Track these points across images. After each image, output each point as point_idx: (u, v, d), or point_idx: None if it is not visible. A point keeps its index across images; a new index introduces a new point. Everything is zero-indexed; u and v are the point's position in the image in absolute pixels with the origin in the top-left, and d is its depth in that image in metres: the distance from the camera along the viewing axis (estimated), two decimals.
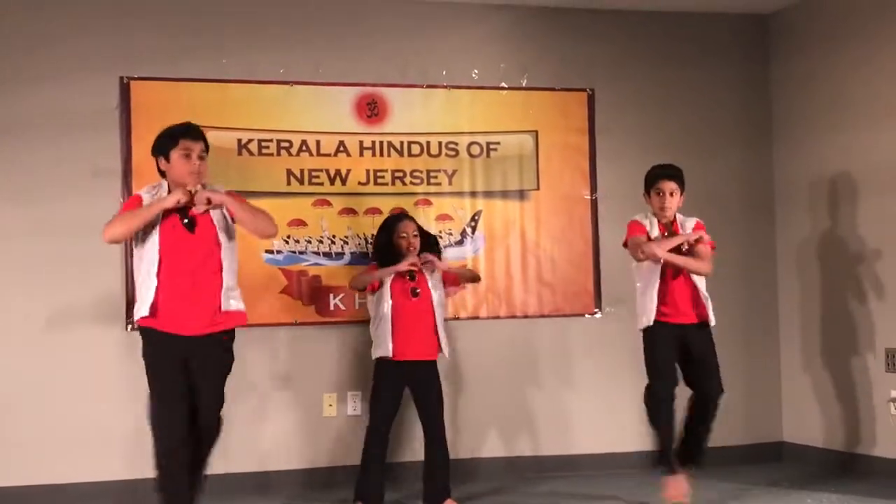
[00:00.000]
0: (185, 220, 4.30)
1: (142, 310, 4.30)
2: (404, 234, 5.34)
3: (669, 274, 5.13)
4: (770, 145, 6.79)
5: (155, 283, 4.25)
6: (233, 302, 4.39)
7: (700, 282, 5.17)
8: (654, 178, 5.20)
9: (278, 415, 5.99)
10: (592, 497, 5.65)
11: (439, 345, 5.32)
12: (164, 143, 4.38)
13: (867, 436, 5.99)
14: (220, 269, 4.37)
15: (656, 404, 5.16)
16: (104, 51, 5.83)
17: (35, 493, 5.59)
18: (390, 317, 5.21)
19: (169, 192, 4.33)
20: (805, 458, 6.40)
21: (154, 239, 4.26)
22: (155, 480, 4.36)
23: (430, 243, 5.46)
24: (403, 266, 5.24)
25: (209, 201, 4.28)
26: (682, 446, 5.22)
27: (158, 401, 4.26)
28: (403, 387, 5.29)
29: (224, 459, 5.83)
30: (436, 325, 5.30)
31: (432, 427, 5.29)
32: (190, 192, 4.26)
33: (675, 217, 5.22)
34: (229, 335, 4.44)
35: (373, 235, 6.11)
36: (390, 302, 5.21)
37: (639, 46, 6.63)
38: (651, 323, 5.13)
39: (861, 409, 6.02)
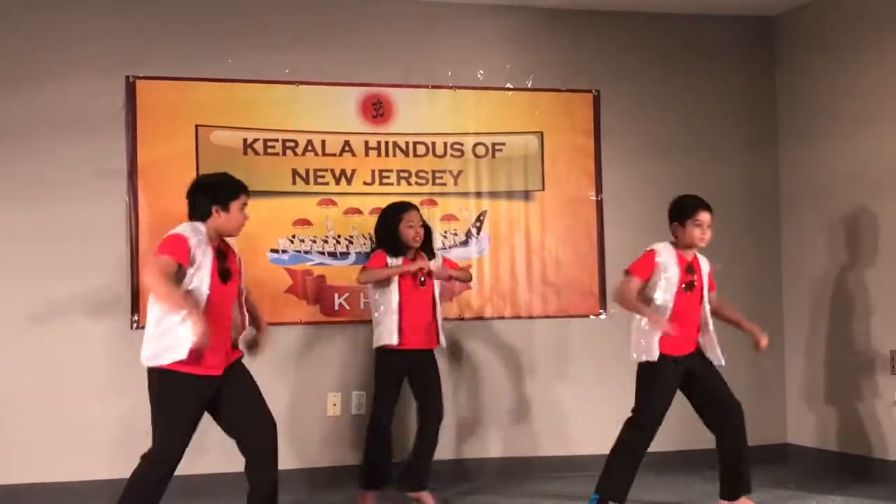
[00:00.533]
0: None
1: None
2: (412, 224, 5.34)
3: (681, 296, 4.97)
4: (775, 148, 6.78)
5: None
6: None
7: (707, 315, 5.07)
8: (693, 208, 5.01)
9: (283, 414, 5.98)
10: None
11: (438, 335, 5.38)
12: (225, 194, 4.35)
13: (871, 438, 5.98)
14: None
15: (637, 443, 5.02)
16: (110, 50, 5.85)
17: (35, 490, 5.61)
18: (398, 307, 5.24)
19: (208, 238, 4.30)
20: (809, 460, 6.40)
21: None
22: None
23: (428, 233, 5.49)
24: (413, 268, 5.28)
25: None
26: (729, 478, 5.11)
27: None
28: (405, 376, 5.35)
29: (225, 458, 5.85)
30: (436, 315, 5.38)
31: (431, 415, 5.35)
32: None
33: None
34: None
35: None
36: (398, 291, 5.25)
37: (644, 48, 6.63)
38: (655, 358, 4.92)
39: (865, 412, 6.01)
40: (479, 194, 6.34)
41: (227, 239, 4.50)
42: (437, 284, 5.42)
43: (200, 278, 4.19)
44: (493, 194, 6.36)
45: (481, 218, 6.33)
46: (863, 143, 6.06)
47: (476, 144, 6.35)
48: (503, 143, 6.38)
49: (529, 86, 6.43)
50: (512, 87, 6.41)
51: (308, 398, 6.03)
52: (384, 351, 5.30)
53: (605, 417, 6.37)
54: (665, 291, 4.96)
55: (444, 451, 5.98)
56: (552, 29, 6.47)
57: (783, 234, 6.73)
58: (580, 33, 6.53)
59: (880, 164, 5.92)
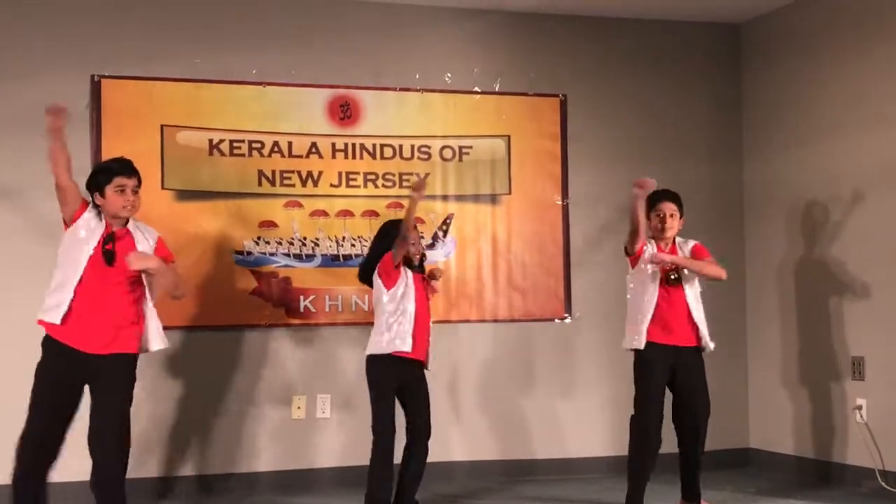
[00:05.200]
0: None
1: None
2: (413, 242, 5.09)
3: (664, 292, 5.08)
4: (740, 156, 6.83)
5: None
6: None
7: (696, 304, 5.14)
8: (655, 199, 5.14)
9: (247, 416, 5.97)
10: (557, 500, 5.67)
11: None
12: (98, 180, 4.38)
13: (833, 443, 6.03)
14: None
15: (644, 437, 5.06)
16: (75, 49, 5.80)
17: None
18: (413, 314, 5.00)
19: (106, 223, 4.33)
20: (772, 465, 6.45)
21: None
22: None
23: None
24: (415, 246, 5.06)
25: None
26: (684, 479, 5.21)
27: None
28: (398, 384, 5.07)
29: (190, 461, 5.83)
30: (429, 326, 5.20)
31: (421, 429, 5.07)
32: None
33: (673, 240, 5.21)
34: None
35: (343, 238, 6.13)
36: (415, 298, 5.02)
37: (612, 53, 6.66)
38: (643, 346, 5.05)
39: (827, 417, 6.07)
40: (445, 197, 6.34)
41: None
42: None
43: (80, 248, 4.24)
44: (460, 197, 6.36)
45: (448, 221, 6.34)
46: (828, 151, 6.12)
47: (443, 147, 6.35)
48: (470, 147, 6.39)
49: (497, 89, 6.44)
50: (480, 90, 6.42)
51: (273, 401, 6.00)
52: (382, 359, 4.99)
53: (569, 421, 6.44)
54: (647, 286, 5.07)
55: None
56: (520, 33, 6.49)
57: (747, 241, 6.78)
58: (548, 38, 6.54)
59: (845, 171, 5.98)
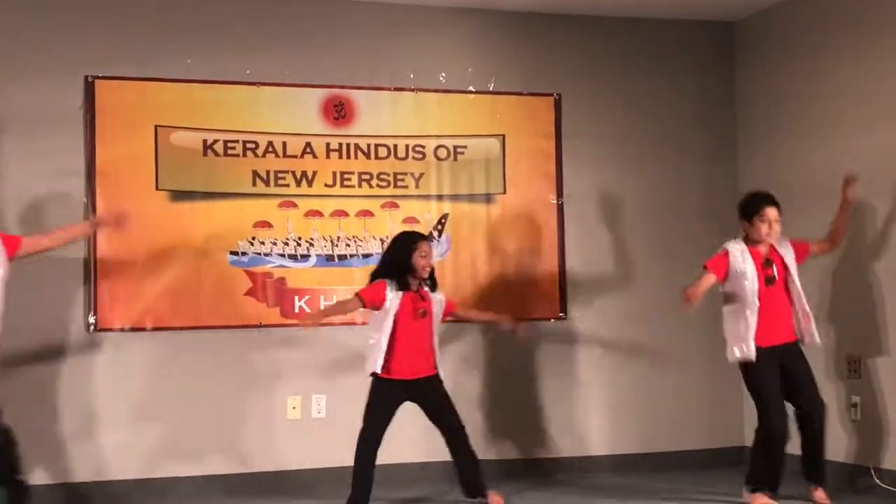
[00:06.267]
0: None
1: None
2: (425, 254, 5.22)
3: (764, 293, 5.10)
4: (734, 154, 6.83)
5: None
6: None
7: (798, 300, 5.18)
8: (759, 204, 5.21)
9: (242, 417, 5.96)
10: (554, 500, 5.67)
11: (434, 361, 5.29)
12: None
13: (829, 441, 6.02)
14: None
15: (774, 442, 5.10)
16: (69, 50, 5.79)
17: None
18: (390, 335, 5.13)
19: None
20: None
21: None
22: None
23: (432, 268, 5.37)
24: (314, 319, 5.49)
25: None
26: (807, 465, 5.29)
27: None
28: (400, 403, 5.21)
29: (183, 462, 5.83)
30: (433, 344, 5.28)
31: (453, 428, 5.26)
32: None
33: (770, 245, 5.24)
34: None
35: (338, 238, 6.12)
36: (392, 321, 5.13)
37: (606, 52, 6.66)
38: (753, 356, 5.07)
39: None
40: (440, 197, 6.34)
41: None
42: (436, 316, 5.31)
43: None
44: (455, 197, 6.36)
45: (443, 221, 6.33)
46: (823, 150, 6.12)
47: (438, 147, 6.35)
48: (465, 146, 6.38)
49: (491, 89, 6.43)
50: (474, 90, 6.41)
51: (268, 401, 6.00)
52: (378, 378, 5.16)
53: (564, 419, 6.43)
54: (745, 289, 5.10)
55: (407, 453, 6.01)
56: (514, 32, 6.49)
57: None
58: (542, 37, 6.54)
59: (840, 170, 5.96)
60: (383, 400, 5.18)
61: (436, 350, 5.30)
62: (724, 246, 5.26)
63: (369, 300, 5.18)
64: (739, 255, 5.18)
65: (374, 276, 5.29)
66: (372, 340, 5.17)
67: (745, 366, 5.16)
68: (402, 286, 5.19)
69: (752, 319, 5.08)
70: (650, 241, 6.63)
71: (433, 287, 5.35)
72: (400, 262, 5.22)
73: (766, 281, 5.14)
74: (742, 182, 6.78)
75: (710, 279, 5.17)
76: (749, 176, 6.73)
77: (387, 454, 5.26)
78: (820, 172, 6.12)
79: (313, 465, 6.01)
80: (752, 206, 5.24)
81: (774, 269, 5.18)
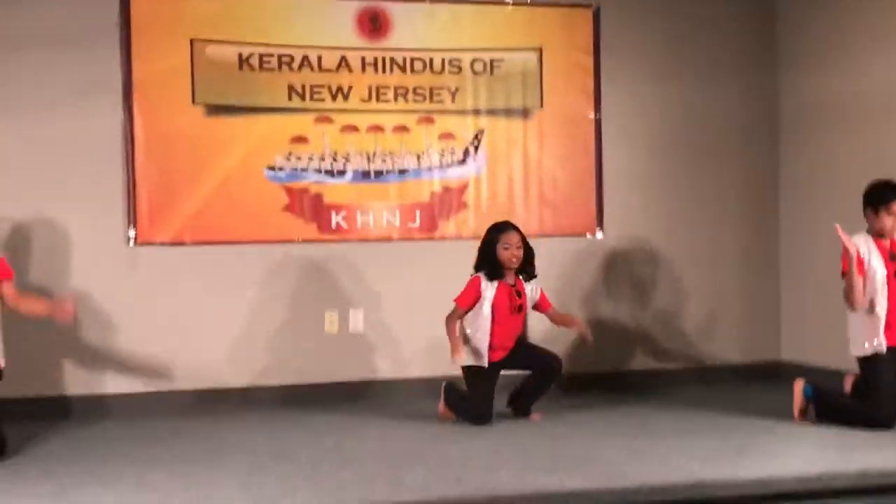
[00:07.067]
0: None
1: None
2: (508, 246, 5.25)
3: (891, 286, 4.90)
4: (775, 70, 6.70)
5: None
6: None
7: None
8: (887, 196, 4.93)
9: (279, 331, 6.02)
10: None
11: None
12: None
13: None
14: None
15: (874, 428, 4.82)
16: None
17: None
18: (489, 329, 5.25)
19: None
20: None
21: None
22: None
23: (529, 257, 5.38)
24: (460, 355, 5.26)
25: None
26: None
27: None
28: (497, 376, 5.35)
29: (220, 373, 5.91)
30: (523, 331, 5.47)
31: (546, 371, 5.34)
32: None
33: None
34: None
35: (374, 153, 6.11)
36: (490, 313, 5.25)
37: None
38: (884, 350, 4.87)
39: None
40: (476, 112, 6.28)
41: None
42: (529, 307, 5.44)
43: None
44: (491, 112, 6.30)
45: (479, 136, 6.29)
46: (864, 65, 5.98)
47: (474, 60, 6.27)
48: (501, 60, 6.31)
49: (528, 1, 6.33)
50: (511, 1, 6.31)
51: (305, 316, 6.04)
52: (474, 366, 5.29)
53: (598, 335, 6.45)
54: (872, 282, 4.90)
55: (417, 368, 6.10)
56: None
57: (782, 155, 6.69)
58: None
59: (882, 84, 5.85)
60: (485, 383, 5.28)
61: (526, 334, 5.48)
62: (853, 240, 4.95)
63: (466, 305, 5.27)
64: (866, 249, 4.96)
65: (475, 268, 5.37)
66: (469, 331, 5.29)
67: (867, 359, 4.94)
68: (496, 276, 5.27)
69: (882, 313, 4.88)
70: (688, 155, 6.57)
71: (530, 276, 5.39)
72: (488, 255, 5.30)
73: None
74: (784, 97, 6.67)
75: (860, 281, 4.90)
76: (790, 92, 6.61)
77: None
78: (862, 86, 5.98)
79: (352, 378, 6.07)
80: (879, 197, 4.96)
81: None
